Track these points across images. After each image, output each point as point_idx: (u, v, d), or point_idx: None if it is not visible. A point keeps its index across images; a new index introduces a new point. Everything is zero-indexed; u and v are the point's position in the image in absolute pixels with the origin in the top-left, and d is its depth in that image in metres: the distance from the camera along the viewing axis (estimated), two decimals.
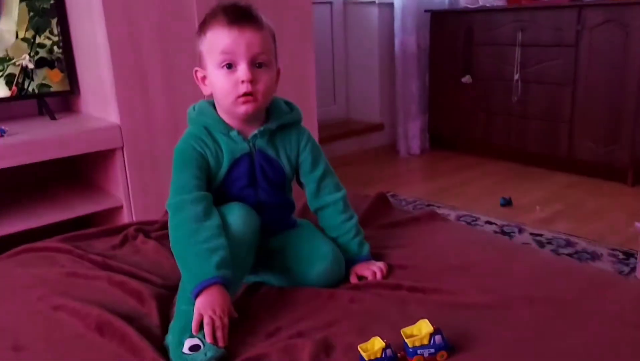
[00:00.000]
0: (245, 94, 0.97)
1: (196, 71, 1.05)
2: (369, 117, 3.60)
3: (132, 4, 1.80)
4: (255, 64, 0.97)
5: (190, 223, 0.94)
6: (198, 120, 1.04)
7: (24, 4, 1.93)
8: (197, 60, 1.04)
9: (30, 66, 1.94)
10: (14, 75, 1.93)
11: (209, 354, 0.82)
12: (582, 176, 2.83)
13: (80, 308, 0.94)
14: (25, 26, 1.94)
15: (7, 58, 1.92)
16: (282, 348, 0.83)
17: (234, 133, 1.02)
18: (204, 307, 0.87)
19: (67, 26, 2.00)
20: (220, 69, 0.97)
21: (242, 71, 0.96)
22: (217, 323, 0.85)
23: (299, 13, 2.20)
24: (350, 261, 1.08)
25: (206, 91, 1.04)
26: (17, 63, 1.91)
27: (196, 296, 0.89)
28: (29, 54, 1.94)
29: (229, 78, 0.97)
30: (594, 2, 2.70)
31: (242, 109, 0.98)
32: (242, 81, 0.96)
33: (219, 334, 0.85)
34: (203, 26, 1.00)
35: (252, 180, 1.04)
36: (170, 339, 0.87)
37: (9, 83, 1.93)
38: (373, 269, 1.05)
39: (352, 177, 2.97)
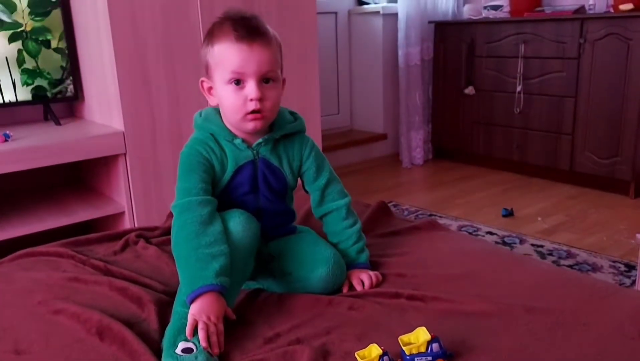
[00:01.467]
0: (253, 111, 0.98)
1: (202, 82, 1.05)
2: (372, 128, 3.61)
3: (137, 12, 1.82)
4: (263, 80, 0.98)
5: (195, 225, 0.94)
6: (204, 126, 1.05)
7: (58, 9, 1.86)
8: (203, 69, 1.04)
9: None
10: (42, 87, 1.85)
11: (200, 358, 0.82)
12: (584, 188, 2.83)
13: (81, 312, 0.95)
14: (58, 34, 1.87)
15: (38, 70, 1.85)
16: (280, 354, 0.84)
17: (238, 141, 1.03)
18: (199, 313, 0.87)
19: (73, 33, 2.02)
20: (229, 85, 0.98)
21: (251, 89, 0.97)
22: (212, 328, 0.86)
23: (303, 23, 2.22)
24: (347, 266, 1.08)
25: (212, 101, 1.05)
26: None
27: (192, 301, 0.89)
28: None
29: (238, 95, 0.97)
30: (596, 15, 2.71)
31: (251, 125, 1.00)
32: (251, 99, 0.97)
33: (213, 339, 0.85)
34: (210, 37, 1.00)
35: (254, 187, 1.05)
36: (164, 340, 0.88)
37: (37, 97, 1.86)
38: (360, 278, 1.05)
39: (355, 186, 2.97)
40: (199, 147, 1.02)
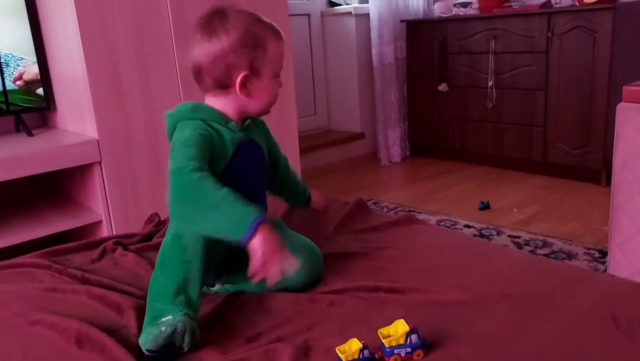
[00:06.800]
0: None
1: (245, 75, 1.02)
2: (349, 127, 3.64)
3: (107, 17, 1.80)
4: None
5: (212, 179, 0.92)
6: (194, 115, 1.03)
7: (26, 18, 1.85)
8: (248, 69, 1.02)
9: None
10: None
11: (178, 317, 0.85)
12: (558, 179, 2.90)
13: (59, 322, 0.94)
14: None
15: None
16: (262, 352, 0.84)
17: (232, 124, 1.04)
18: (269, 247, 0.89)
19: (42, 41, 1.99)
20: (275, 79, 1.08)
21: (280, 80, 1.10)
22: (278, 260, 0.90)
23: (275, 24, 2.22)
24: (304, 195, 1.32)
25: (245, 94, 1.03)
26: None
27: (250, 237, 0.88)
28: None
29: (276, 86, 1.09)
30: (562, 8, 2.78)
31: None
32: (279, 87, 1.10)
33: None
34: (255, 39, 1.04)
35: (254, 167, 1.09)
36: (143, 334, 0.88)
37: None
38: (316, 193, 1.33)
39: (334, 186, 2.99)
40: (199, 129, 1.00)
